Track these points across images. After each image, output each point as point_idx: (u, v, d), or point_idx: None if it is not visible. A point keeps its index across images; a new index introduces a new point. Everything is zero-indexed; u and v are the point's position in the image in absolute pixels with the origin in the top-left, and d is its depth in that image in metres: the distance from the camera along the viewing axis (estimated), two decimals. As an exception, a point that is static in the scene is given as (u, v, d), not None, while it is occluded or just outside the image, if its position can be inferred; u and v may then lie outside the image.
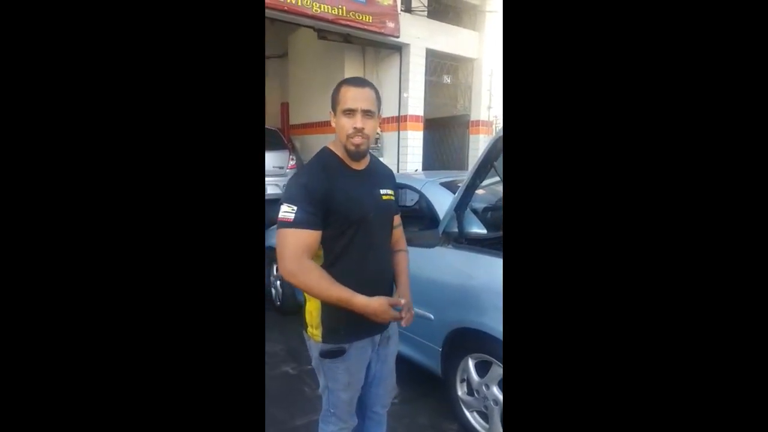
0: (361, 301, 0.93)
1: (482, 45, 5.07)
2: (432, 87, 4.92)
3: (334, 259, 1.01)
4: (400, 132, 4.66)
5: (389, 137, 4.85)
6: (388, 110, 4.86)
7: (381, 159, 4.88)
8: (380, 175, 1.16)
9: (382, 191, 1.12)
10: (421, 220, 2.53)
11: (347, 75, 5.08)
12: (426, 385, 2.11)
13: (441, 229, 1.85)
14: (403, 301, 1.02)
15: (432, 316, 1.86)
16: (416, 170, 3.14)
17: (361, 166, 1.09)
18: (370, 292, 0.98)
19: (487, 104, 5.20)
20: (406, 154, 4.61)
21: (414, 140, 4.64)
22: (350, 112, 1.01)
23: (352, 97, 1.01)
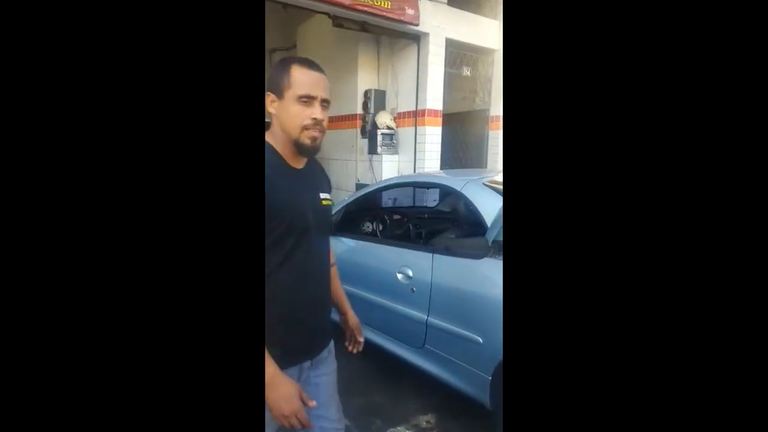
0: (270, 371, 0.79)
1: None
2: (450, 79, 4.64)
3: (268, 273, 0.82)
4: (417, 128, 4.39)
5: (405, 133, 4.58)
6: (405, 104, 4.59)
7: (397, 156, 4.60)
8: (318, 175, 1.02)
9: (322, 195, 0.99)
10: (459, 226, 2.27)
11: (361, 68, 4.80)
12: (469, 418, 1.87)
13: (491, 237, 1.58)
14: (313, 403, 0.85)
15: (480, 339, 1.61)
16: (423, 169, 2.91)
17: (300, 164, 0.94)
18: (308, 314, 0.93)
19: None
20: (423, 151, 4.34)
21: (432, 136, 4.37)
22: (308, 100, 0.86)
23: (311, 82, 0.87)
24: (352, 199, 2.46)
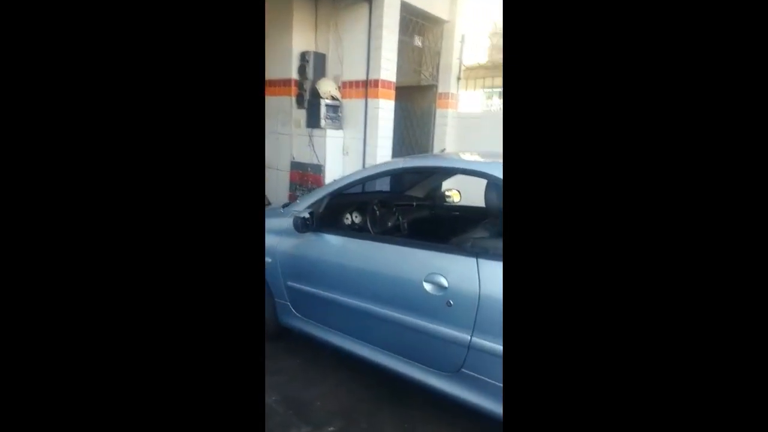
0: None
1: (456, 5, 4.48)
2: (400, 49, 4.21)
3: None
4: (369, 100, 3.91)
5: (352, 106, 4.06)
6: (351, 73, 4.05)
7: (342, 131, 4.07)
8: None
9: None
10: (488, 220, 1.92)
11: (296, 26, 4.11)
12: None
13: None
14: None
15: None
16: (443, 149, 2.51)
17: None
18: None
19: (456, 74, 4.68)
20: (376, 127, 3.88)
21: (385, 111, 3.93)
22: None
23: None
24: (340, 185, 1.95)
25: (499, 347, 1.42)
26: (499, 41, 4.74)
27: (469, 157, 1.77)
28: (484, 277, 1.46)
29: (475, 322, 1.47)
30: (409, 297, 1.62)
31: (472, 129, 4.53)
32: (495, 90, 6.28)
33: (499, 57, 4.71)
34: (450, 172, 1.68)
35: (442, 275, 1.54)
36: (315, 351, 2.14)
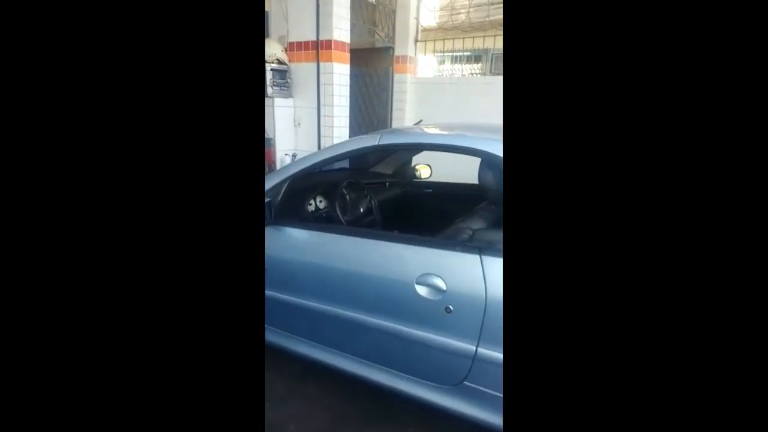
0: None
1: (411, -42, 4.06)
2: (352, 6, 3.76)
3: None
4: (321, 64, 3.47)
5: (301, 70, 3.60)
6: (298, 33, 3.56)
7: (291, 100, 3.64)
8: None
9: None
10: (484, 206, 1.65)
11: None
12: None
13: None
14: None
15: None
16: (419, 121, 2.19)
17: None
18: None
19: (414, 36, 4.31)
20: (331, 95, 3.47)
21: (340, 76, 3.52)
22: None
23: None
24: (303, 166, 1.60)
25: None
26: (455, 1, 4.41)
27: (458, 132, 1.48)
28: (490, 278, 1.21)
29: (481, 330, 1.24)
30: (398, 303, 1.35)
31: (433, 96, 4.24)
32: (447, 54, 5.99)
33: (451, 18, 4.38)
34: (438, 149, 1.38)
35: (438, 276, 1.28)
36: (280, 362, 1.83)
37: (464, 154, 1.32)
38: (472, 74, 6.01)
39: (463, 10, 4.41)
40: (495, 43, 4.25)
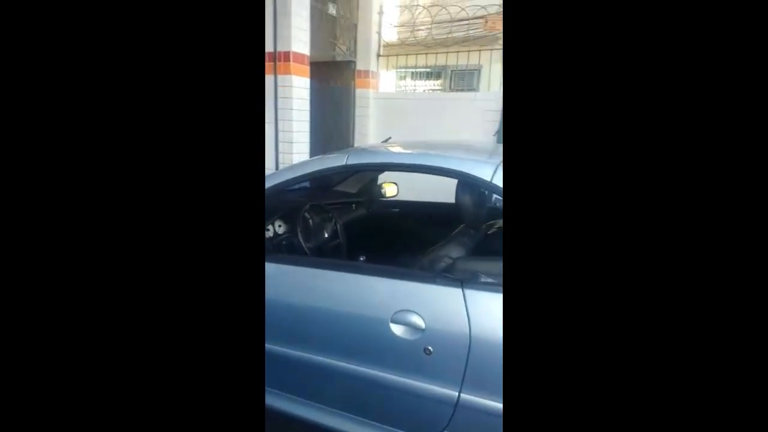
0: None
1: (372, -28, 4.00)
2: (312, 16, 3.63)
3: None
4: (278, 76, 3.29)
5: (258, 83, 3.40)
6: (255, 43, 3.37)
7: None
8: None
9: None
10: (461, 230, 1.52)
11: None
12: None
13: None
14: None
15: None
16: (388, 138, 2.06)
17: None
18: None
19: (376, 51, 4.24)
20: (290, 109, 3.30)
21: (300, 90, 3.35)
22: None
23: None
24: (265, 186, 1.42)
25: (497, 404, 1.07)
26: (417, 17, 4.40)
27: (433, 152, 1.37)
28: (474, 314, 1.08)
29: (464, 373, 1.10)
30: (371, 344, 1.20)
31: (396, 112, 4.16)
32: (407, 70, 6.00)
33: (413, 34, 4.37)
34: (413, 170, 1.25)
35: (415, 313, 1.14)
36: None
37: (442, 175, 1.20)
38: (432, 90, 6.04)
39: (423, 27, 4.40)
40: (457, 59, 4.26)
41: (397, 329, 1.15)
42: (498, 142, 3.33)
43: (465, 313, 1.09)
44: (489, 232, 1.60)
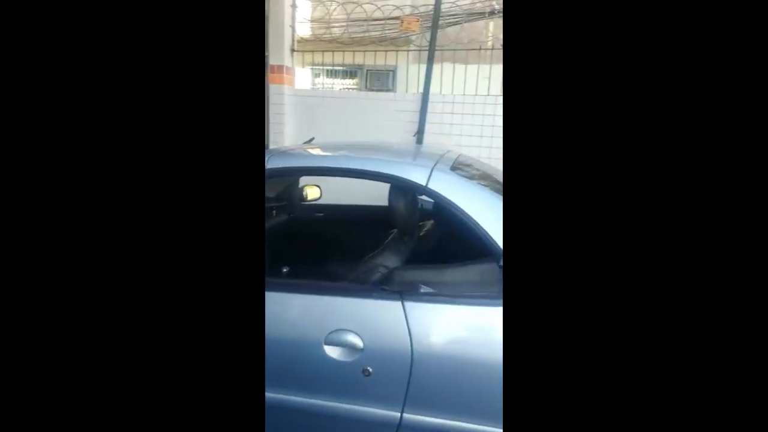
0: None
1: (283, -38, 3.77)
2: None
3: None
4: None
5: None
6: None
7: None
8: None
9: None
10: (395, 235, 1.42)
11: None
12: None
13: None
14: None
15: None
16: (311, 139, 1.89)
17: None
18: None
19: (290, 45, 4.02)
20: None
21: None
22: None
23: None
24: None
25: (440, 420, 1.02)
26: (332, 13, 4.28)
27: (364, 154, 1.28)
28: (416, 327, 1.02)
29: (407, 391, 1.03)
30: (303, 370, 1.07)
31: (313, 110, 3.99)
32: (324, 68, 5.85)
33: (329, 30, 4.25)
34: (343, 174, 1.15)
35: (352, 331, 1.04)
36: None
37: (375, 180, 1.11)
38: (348, 89, 5.96)
39: (338, 24, 4.30)
40: (375, 59, 4.22)
41: (333, 351, 1.04)
42: (418, 143, 3.35)
43: (406, 327, 1.02)
44: (420, 234, 1.56)
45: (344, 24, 4.16)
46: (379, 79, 6.35)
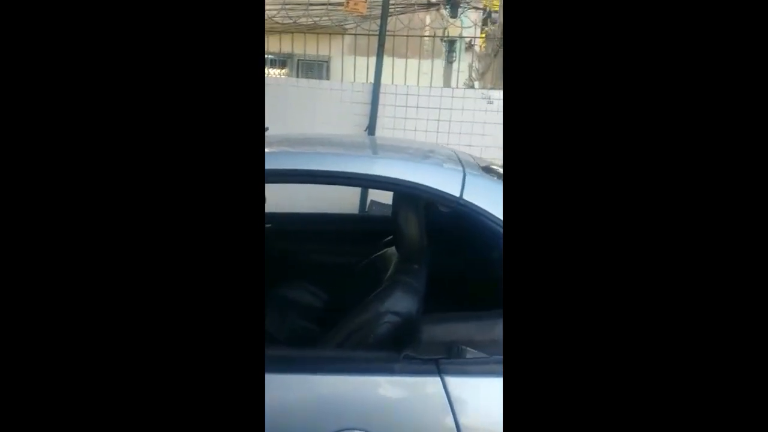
0: None
1: None
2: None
3: None
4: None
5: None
6: None
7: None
8: None
9: None
10: (402, 266, 0.97)
11: None
12: None
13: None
14: None
15: None
16: (265, 129, 1.41)
17: None
18: None
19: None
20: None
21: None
22: None
23: None
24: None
25: None
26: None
27: (350, 151, 0.88)
28: (466, 417, 0.66)
29: None
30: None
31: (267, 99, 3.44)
32: (269, 56, 5.22)
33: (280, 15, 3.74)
34: (314, 179, 0.75)
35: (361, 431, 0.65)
36: None
37: (388, 189, 0.73)
38: (281, 77, 5.42)
39: (272, 8, 3.78)
40: (305, 47, 3.79)
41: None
42: (370, 134, 3.01)
43: (452, 419, 0.65)
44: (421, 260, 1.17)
45: (277, 8, 3.65)
46: (312, 70, 5.91)
